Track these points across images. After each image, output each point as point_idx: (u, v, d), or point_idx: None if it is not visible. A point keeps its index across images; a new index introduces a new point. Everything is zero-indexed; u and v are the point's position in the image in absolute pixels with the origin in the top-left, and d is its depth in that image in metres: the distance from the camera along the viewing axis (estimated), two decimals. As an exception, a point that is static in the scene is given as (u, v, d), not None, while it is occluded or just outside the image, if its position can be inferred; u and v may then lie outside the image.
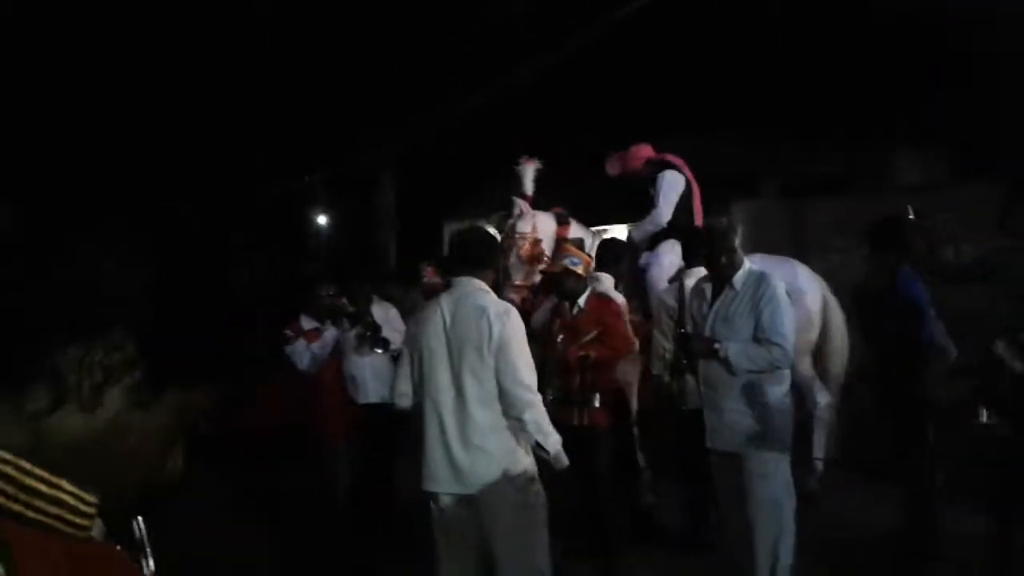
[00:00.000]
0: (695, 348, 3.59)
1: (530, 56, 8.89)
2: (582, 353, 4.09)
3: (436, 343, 3.06)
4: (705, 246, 3.63)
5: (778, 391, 3.44)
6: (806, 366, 5.23)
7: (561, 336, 4.24)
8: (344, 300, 5.03)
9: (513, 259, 5.05)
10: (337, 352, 4.84)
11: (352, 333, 4.95)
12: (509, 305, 3.20)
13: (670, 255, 4.99)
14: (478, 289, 3.13)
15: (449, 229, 17.69)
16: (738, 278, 3.44)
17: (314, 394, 4.84)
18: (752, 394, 3.40)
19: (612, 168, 5.43)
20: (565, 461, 3.17)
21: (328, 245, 16.81)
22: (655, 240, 5.11)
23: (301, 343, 4.72)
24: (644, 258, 5.26)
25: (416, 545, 4.60)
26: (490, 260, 3.31)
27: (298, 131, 11.73)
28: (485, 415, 3.02)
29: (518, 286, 4.94)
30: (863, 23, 8.71)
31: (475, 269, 3.17)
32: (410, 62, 10.55)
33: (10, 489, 0.73)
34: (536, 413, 3.09)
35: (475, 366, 3.00)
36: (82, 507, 0.77)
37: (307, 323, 4.81)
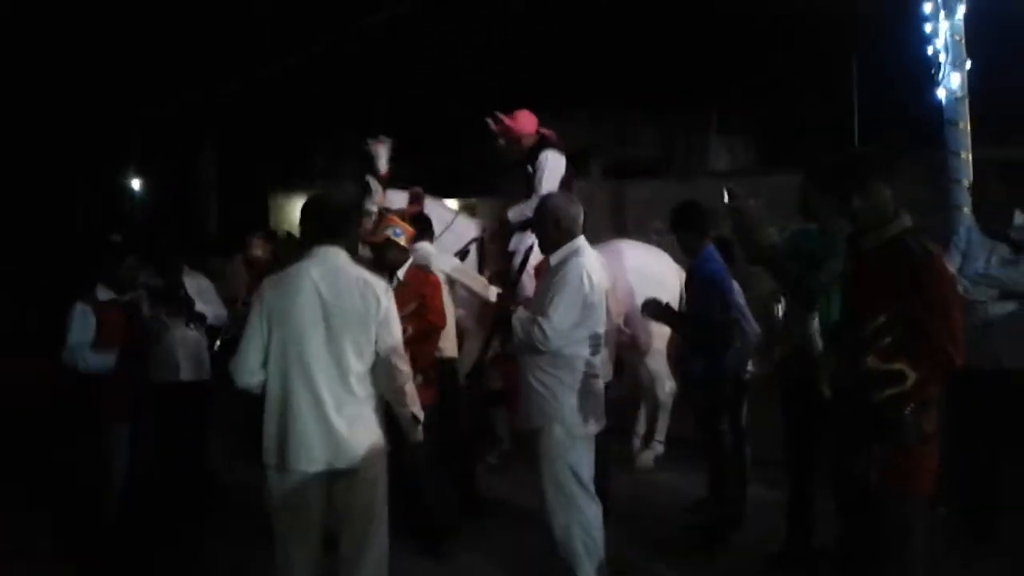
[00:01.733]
0: (502, 307, 3.73)
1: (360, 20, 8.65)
2: (403, 328, 4.05)
3: (310, 315, 2.94)
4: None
5: (567, 375, 3.46)
6: (660, 361, 5.42)
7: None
8: (149, 272, 4.69)
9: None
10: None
11: (162, 309, 4.64)
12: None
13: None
14: (347, 261, 3.06)
15: (275, 200, 17.05)
16: (554, 256, 3.57)
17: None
18: (543, 373, 3.47)
19: (498, 129, 5.14)
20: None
21: (142, 209, 15.67)
22: (527, 223, 4.89)
23: (84, 313, 4.27)
24: (515, 240, 5.18)
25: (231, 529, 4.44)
26: (349, 229, 3.27)
27: (115, 71, 10.76)
28: (363, 388, 3.00)
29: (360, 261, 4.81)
30: (691, 14, 9.17)
31: (335, 238, 3.07)
32: (244, 12, 9.95)
33: None
34: (411, 385, 3.14)
35: (358, 339, 2.96)
36: None
37: (103, 294, 4.40)
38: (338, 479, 2.99)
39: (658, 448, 5.52)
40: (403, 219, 4.49)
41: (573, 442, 3.44)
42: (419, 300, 4.14)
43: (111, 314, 4.31)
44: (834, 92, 10.06)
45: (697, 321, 4.09)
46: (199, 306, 4.78)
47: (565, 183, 4.99)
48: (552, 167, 4.99)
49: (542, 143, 5.08)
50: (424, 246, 4.72)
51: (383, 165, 5.17)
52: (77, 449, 4.95)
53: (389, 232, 4.18)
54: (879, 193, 2.63)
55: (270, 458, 3.00)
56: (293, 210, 17.14)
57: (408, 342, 3.91)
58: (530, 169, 5.08)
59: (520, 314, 3.45)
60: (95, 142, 13.24)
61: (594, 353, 3.49)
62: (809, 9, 9.35)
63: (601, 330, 3.52)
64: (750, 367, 4.58)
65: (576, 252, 3.47)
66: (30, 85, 11.05)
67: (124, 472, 4.28)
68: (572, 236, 3.50)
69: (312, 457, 2.95)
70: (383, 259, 4.20)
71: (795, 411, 3.75)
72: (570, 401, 3.42)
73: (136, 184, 16.01)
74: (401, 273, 4.21)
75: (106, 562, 4.10)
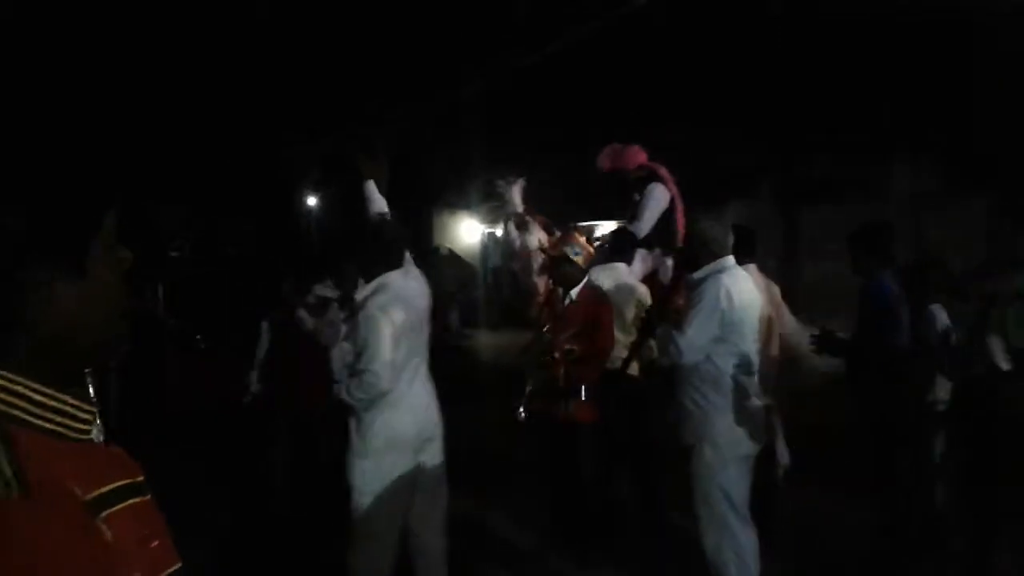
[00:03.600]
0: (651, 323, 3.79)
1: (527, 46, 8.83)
2: (567, 347, 4.03)
3: (416, 321, 3.35)
4: None
5: (716, 395, 3.39)
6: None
7: (548, 326, 4.18)
8: (327, 283, 5.06)
9: (534, 276, 5.09)
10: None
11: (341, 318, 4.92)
12: None
13: (637, 264, 5.05)
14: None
15: (439, 218, 17.71)
16: (697, 273, 3.53)
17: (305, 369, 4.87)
18: (693, 392, 3.44)
19: (604, 161, 5.37)
20: None
21: (317, 225, 16.73)
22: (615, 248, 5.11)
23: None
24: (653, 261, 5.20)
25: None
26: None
27: (296, 106, 11.67)
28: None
29: (543, 298, 4.98)
30: (868, 35, 8.69)
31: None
32: (409, 48, 10.48)
33: (22, 403, 0.89)
34: None
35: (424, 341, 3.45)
36: (81, 415, 0.94)
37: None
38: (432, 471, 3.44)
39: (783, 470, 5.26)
40: (574, 232, 4.56)
41: (725, 464, 3.34)
42: (590, 321, 4.09)
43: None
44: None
45: (871, 348, 3.83)
46: None
47: (666, 216, 5.15)
48: (656, 200, 5.12)
49: (650, 176, 5.19)
50: (619, 267, 4.71)
51: (519, 204, 5.29)
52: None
53: (568, 249, 4.20)
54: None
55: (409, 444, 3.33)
56: (455, 227, 17.88)
57: (574, 362, 3.91)
58: (636, 197, 5.22)
59: (661, 331, 3.43)
60: (278, 166, 14.34)
61: (745, 373, 3.38)
62: (1007, 21, 8.58)
63: (750, 350, 3.41)
64: (942, 396, 4.20)
65: (720, 271, 3.40)
66: (230, 120, 12.13)
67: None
68: (716, 256, 3.45)
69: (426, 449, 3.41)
70: (558, 274, 4.22)
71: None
72: (721, 421, 3.34)
73: (311, 202, 17.13)
74: (574, 292, 4.19)
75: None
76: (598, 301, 4.19)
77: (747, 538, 3.37)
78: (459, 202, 16.61)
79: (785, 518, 4.45)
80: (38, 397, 0.90)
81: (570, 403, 3.99)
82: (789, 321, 4.91)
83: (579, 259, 4.19)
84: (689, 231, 3.63)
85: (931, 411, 4.08)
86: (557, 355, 4.03)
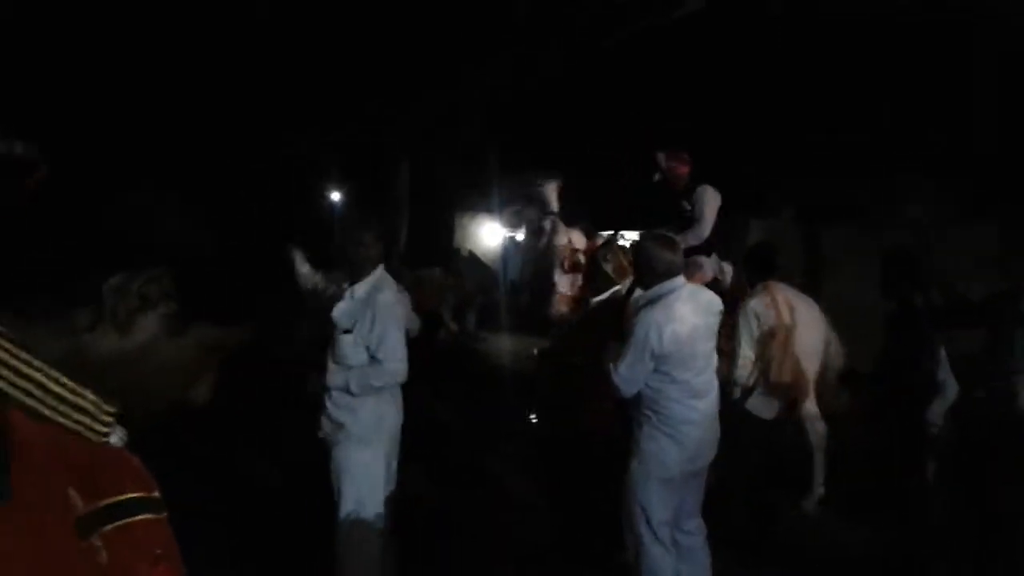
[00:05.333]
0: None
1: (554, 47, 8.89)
2: (587, 355, 4.12)
3: None
4: None
5: (650, 415, 3.47)
6: (811, 402, 5.26)
7: (569, 333, 4.26)
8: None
9: (558, 272, 5.18)
10: None
11: None
12: None
13: (708, 270, 5.16)
14: None
15: (460, 220, 17.81)
16: (641, 299, 3.58)
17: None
18: (632, 409, 3.51)
19: (659, 163, 5.42)
20: None
21: (341, 222, 16.85)
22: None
23: None
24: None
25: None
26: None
27: (317, 98, 11.73)
28: None
29: (568, 296, 5.07)
30: (894, 52, 8.69)
31: None
32: (433, 47, 10.54)
33: (38, 393, 0.81)
34: None
35: None
36: (101, 415, 0.85)
37: None
38: None
39: (819, 492, 5.30)
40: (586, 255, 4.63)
41: (647, 482, 3.41)
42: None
43: None
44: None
45: (905, 378, 3.87)
46: None
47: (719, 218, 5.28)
48: (711, 200, 5.23)
49: (699, 179, 5.33)
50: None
51: (554, 204, 5.38)
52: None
53: (603, 258, 4.29)
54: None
55: None
56: (477, 231, 17.97)
57: (593, 371, 4.00)
58: (686, 204, 5.32)
59: (606, 361, 3.46)
60: (306, 161, 14.45)
61: (686, 396, 3.40)
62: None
63: (689, 376, 3.40)
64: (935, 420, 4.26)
65: (661, 295, 3.41)
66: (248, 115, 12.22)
67: None
68: (666, 278, 3.43)
69: None
70: (590, 282, 4.30)
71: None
72: (651, 441, 3.41)
73: (336, 197, 17.28)
74: (598, 300, 4.28)
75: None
76: (622, 312, 4.28)
77: (660, 558, 3.44)
78: (481, 205, 16.71)
79: (790, 539, 4.52)
80: (56, 388, 0.81)
81: (587, 414, 4.06)
82: (813, 344, 4.98)
83: (608, 268, 4.28)
84: (636, 252, 3.64)
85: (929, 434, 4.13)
86: (576, 362, 4.11)
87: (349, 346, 3.43)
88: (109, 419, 0.86)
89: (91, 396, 0.84)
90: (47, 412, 0.81)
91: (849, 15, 8.20)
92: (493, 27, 9.25)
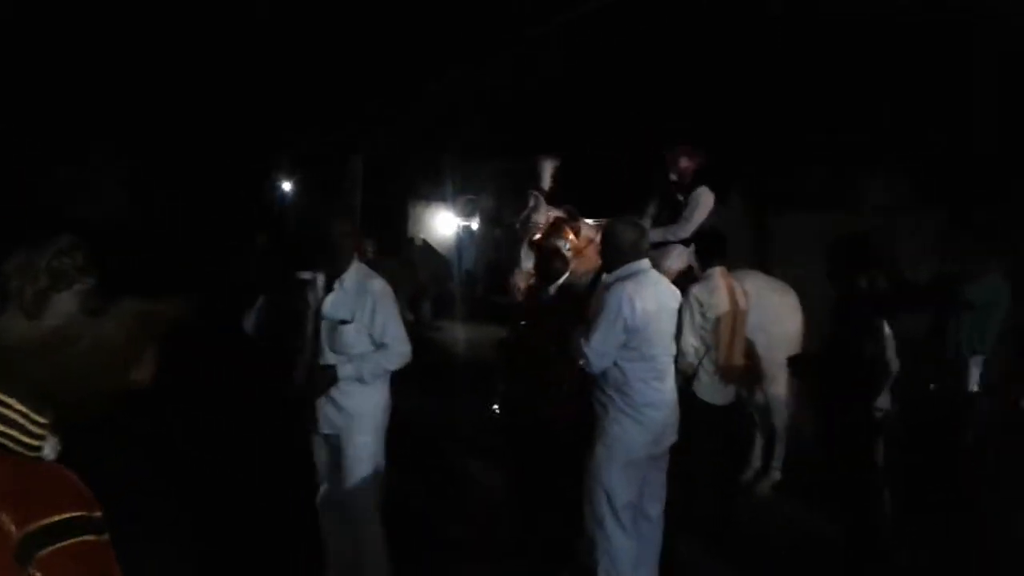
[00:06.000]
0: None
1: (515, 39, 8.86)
2: (550, 343, 4.09)
3: None
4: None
5: (617, 397, 3.51)
6: (779, 388, 5.35)
7: (528, 321, 4.22)
8: None
9: (525, 247, 5.18)
10: None
11: None
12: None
13: (675, 258, 5.21)
14: None
15: (414, 209, 17.70)
16: (609, 276, 3.61)
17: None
18: (596, 392, 3.57)
19: (673, 160, 5.45)
20: None
21: (291, 212, 16.62)
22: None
23: None
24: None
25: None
26: None
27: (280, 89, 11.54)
28: None
29: (527, 272, 5.06)
30: (844, 41, 8.83)
31: None
32: (384, 40, 10.42)
33: None
34: None
35: None
36: (31, 427, 0.76)
37: None
38: None
39: (775, 475, 5.43)
40: (564, 225, 4.61)
41: (611, 464, 3.45)
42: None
43: None
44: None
45: (852, 361, 3.91)
46: None
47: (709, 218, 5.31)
48: (705, 204, 5.30)
49: (700, 178, 5.37)
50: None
51: (546, 181, 5.39)
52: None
53: (560, 243, 4.25)
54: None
55: None
56: (430, 220, 17.88)
57: (555, 359, 3.98)
58: (680, 198, 5.37)
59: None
60: (253, 151, 14.18)
61: (653, 378, 3.48)
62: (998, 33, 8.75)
63: (657, 355, 3.50)
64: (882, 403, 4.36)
65: (628, 275, 3.48)
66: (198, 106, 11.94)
67: None
68: (627, 260, 3.53)
69: None
70: (543, 267, 4.28)
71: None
72: (616, 424, 3.45)
73: (287, 187, 17.02)
74: (553, 288, 4.24)
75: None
76: (583, 299, 4.27)
77: (621, 543, 3.49)
78: (434, 194, 16.62)
79: (743, 527, 4.58)
80: None
81: (550, 401, 4.05)
82: (782, 329, 5.07)
83: (568, 254, 4.26)
84: (604, 234, 3.71)
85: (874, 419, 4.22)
86: (536, 351, 4.08)
87: (351, 336, 3.45)
88: (40, 431, 0.76)
89: (18, 406, 0.74)
90: None
91: (841, 14, 8.31)
92: (467, 17, 9.19)
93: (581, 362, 3.44)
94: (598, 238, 5.47)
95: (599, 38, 8.96)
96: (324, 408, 3.50)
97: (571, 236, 4.40)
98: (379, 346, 3.48)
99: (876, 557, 3.94)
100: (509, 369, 4.27)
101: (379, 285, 3.52)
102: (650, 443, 3.49)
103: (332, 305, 3.48)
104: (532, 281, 4.66)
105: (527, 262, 5.00)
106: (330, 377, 3.42)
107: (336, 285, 3.50)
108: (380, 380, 3.55)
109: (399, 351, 3.51)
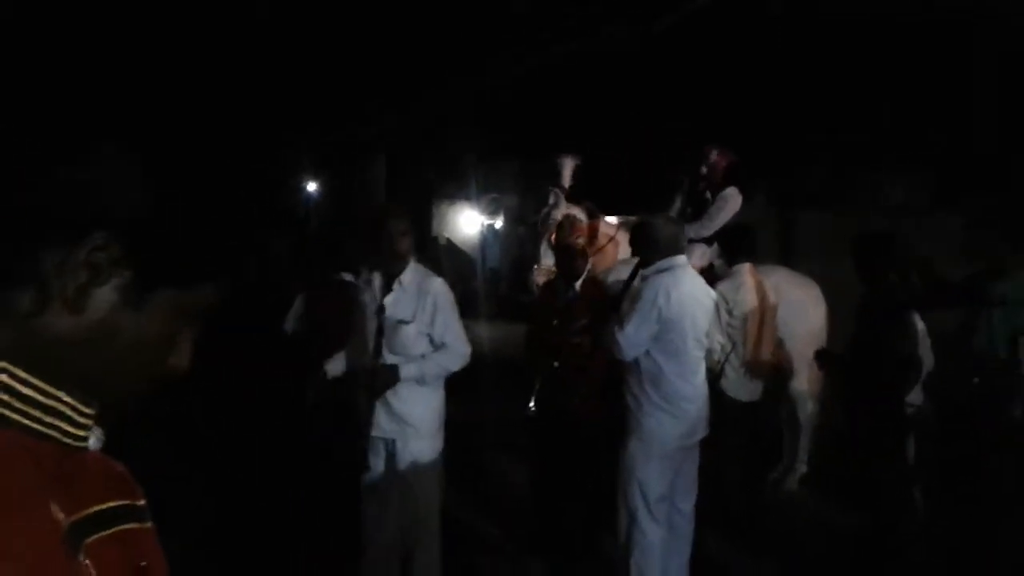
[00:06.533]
0: (600, 314, 3.85)
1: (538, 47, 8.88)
2: (576, 340, 4.12)
3: None
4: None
5: (653, 391, 3.54)
6: (802, 382, 5.35)
7: (556, 320, 4.23)
8: None
9: (544, 244, 5.23)
10: None
11: None
12: None
13: (697, 257, 5.23)
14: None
15: (438, 209, 17.77)
16: (647, 271, 3.65)
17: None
18: (631, 386, 3.61)
19: (707, 160, 5.50)
20: None
21: (316, 213, 16.74)
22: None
23: None
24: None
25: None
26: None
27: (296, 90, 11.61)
28: None
29: (548, 269, 5.12)
30: (867, 38, 8.76)
31: None
32: (406, 38, 10.46)
33: (5, 397, 0.73)
34: None
35: None
36: (78, 418, 0.78)
37: None
38: None
39: (801, 469, 5.46)
40: (577, 222, 4.65)
41: (648, 459, 3.50)
42: (597, 313, 4.18)
43: None
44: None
45: (883, 357, 3.88)
46: None
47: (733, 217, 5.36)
48: (732, 205, 5.34)
49: (730, 178, 5.42)
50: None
51: (567, 178, 5.45)
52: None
53: (580, 240, 4.31)
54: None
55: None
56: (455, 219, 17.94)
57: (583, 357, 4.01)
58: (708, 195, 5.42)
59: (607, 326, 3.57)
60: (274, 152, 14.30)
61: (686, 372, 3.53)
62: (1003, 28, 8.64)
63: (690, 350, 3.54)
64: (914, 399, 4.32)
65: (666, 269, 3.53)
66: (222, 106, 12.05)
67: None
68: (664, 255, 3.57)
69: None
70: (569, 266, 4.30)
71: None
72: (651, 417, 3.49)
73: (312, 187, 17.15)
74: (578, 285, 4.25)
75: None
76: (601, 293, 4.29)
77: (654, 536, 3.53)
78: (459, 193, 16.68)
79: (771, 523, 4.59)
80: (26, 390, 0.74)
81: (576, 399, 4.08)
82: (807, 324, 5.07)
83: (588, 251, 4.32)
84: (641, 229, 3.74)
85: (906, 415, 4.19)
86: (566, 349, 4.10)
87: (412, 336, 3.40)
88: (87, 422, 0.79)
89: (66, 398, 0.76)
90: (15, 417, 0.73)
91: (846, 14, 8.26)
92: (488, 23, 9.22)
93: (614, 350, 3.48)
94: (617, 235, 5.54)
95: (619, 37, 8.94)
96: (380, 412, 3.44)
97: (584, 233, 4.49)
98: (439, 347, 3.43)
99: (896, 554, 3.93)
100: (535, 367, 4.29)
101: (439, 285, 3.47)
102: (684, 436, 3.55)
103: (393, 305, 3.43)
104: (552, 277, 4.69)
105: (546, 259, 5.06)
106: (391, 377, 3.36)
107: (396, 285, 3.44)
108: (437, 384, 3.51)
109: (460, 352, 3.47)
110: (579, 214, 5.35)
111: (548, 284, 4.61)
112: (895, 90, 9.28)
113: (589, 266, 4.36)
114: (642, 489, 3.50)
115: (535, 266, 5.24)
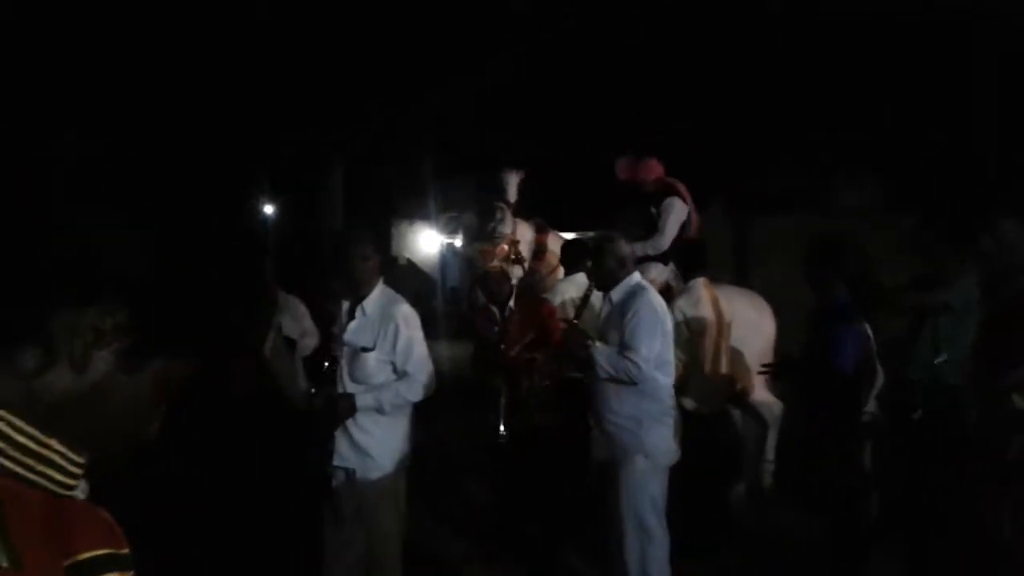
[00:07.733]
0: (572, 341, 3.67)
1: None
2: (527, 356, 4.14)
3: None
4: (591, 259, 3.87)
5: (652, 406, 3.53)
6: (761, 391, 5.38)
7: (503, 340, 4.27)
8: None
9: (489, 263, 5.23)
10: None
11: None
12: None
13: (656, 273, 5.25)
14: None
15: (398, 228, 17.66)
16: (616, 291, 3.60)
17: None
18: (626, 405, 3.52)
19: (622, 172, 5.54)
20: None
21: (273, 233, 16.51)
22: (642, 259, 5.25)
23: None
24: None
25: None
26: None
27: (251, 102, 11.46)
28: None
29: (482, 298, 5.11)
30: (820, 44, 8.90)
31: None
32: (371, 53, 10.41)
33: (2, 444, 0.75)
34: None
35: None
36: (69, 467, 0.80)
37: None
38: None
39: (770, 466, 5.47)
40: (534, 249, 4.68)
41: (656, 473, 3.53)
42: (537, 327, 4.22)
43: None
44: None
45: (832, 370, 3.88)
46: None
47: (683, 230, 5.40)
48: (677, 214, 5.36)
49: (668, 190, 5.40)
50: (579, 277, 4.79)
51: (512, 193, 5.45)
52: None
53: (504, 266, 4.36)
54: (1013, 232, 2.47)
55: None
56: (414, 239, 17.84)
57: (536, 370, 4.02)
58: (653, 210, 5.43)
59: (603, 349, 3.49)
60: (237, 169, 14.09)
61: (672, 383, 3.66)
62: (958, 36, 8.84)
63: (671, 359, 3.65)
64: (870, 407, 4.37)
65: (640, 285, 3.60)
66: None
67: None
68: (630, 272, 3.66)
69: None
70: (494, 292, 4.34)
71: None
72: (655, 431, 3.52)
73: (268, 209, 16.92)
74: (512, 303, 4.33)
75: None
76: (537, 307, 4.33)
77: (665, 546, 3.57)
78: (417, 213, 16.60)
79: (732, 531, 4.60)
80: (20, 438, 0.76)
81: (534, 410, 4.10)
82: (757, 336, 5.10)
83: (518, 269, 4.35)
84: (603, 249, 3.74)
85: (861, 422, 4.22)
86: (522, 367, 4.15)
87: (373, 364, 3.32)
88: (78, 471, 0.81)
89: (57, 446, 0.78)
90: (9, 464, 0.75)
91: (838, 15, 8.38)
92: (454, 31, 9.20)
93: (632, 376, 3.42)
94: (558, 249, 5.58)
95: (578, 42, 9.00)
96: (341, 440, 3.35)
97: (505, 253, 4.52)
98: (401, 375, 3.35)
99: (859, 560, 3.97)
100: (488, 388, 4.31)
101: (405, 310, 3.38)
102: (677, 444, 3.64)
103: (353, 331, 3.36)
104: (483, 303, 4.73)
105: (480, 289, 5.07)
106: (349, 407, 3.28)
107: (358, 311, 3.38)
108: (401, 412, 3.41)
109: (422, 381, 3.37)
110: (527, 230, 5.36)
111: (484, 309, 4.63)
112: (895, 90, 9.40)
113: (521, 283, 4.38)
114: (654, 504, 3.52)
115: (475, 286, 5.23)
